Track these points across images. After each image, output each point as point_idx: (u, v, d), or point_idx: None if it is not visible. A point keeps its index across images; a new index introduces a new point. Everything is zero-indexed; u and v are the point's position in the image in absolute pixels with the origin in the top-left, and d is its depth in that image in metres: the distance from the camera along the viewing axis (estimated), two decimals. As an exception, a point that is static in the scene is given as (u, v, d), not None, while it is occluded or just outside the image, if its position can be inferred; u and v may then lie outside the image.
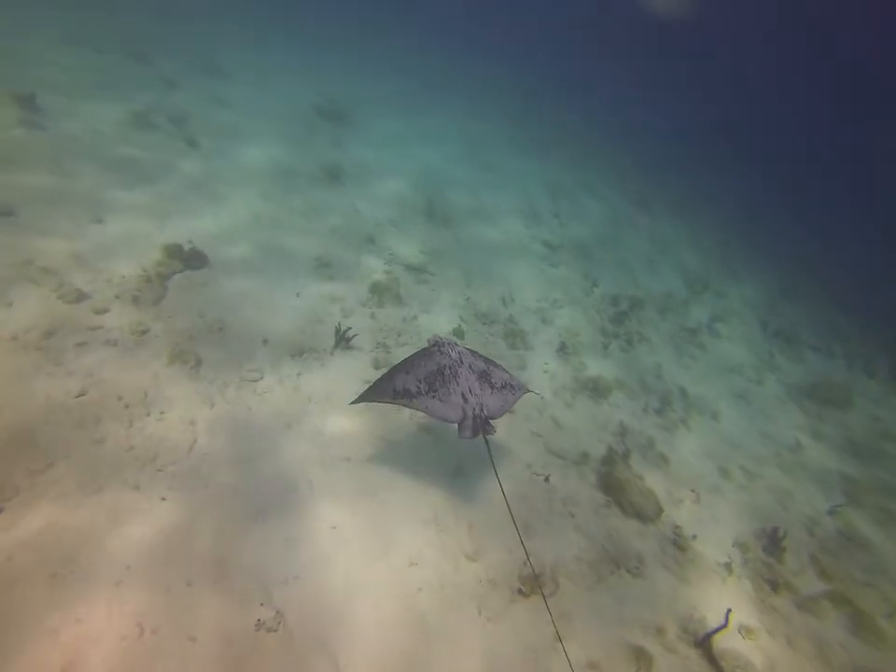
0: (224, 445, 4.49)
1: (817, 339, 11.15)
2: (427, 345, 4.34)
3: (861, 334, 12.26)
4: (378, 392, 3.98)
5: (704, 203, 19.04)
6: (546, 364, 7.23)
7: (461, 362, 4.12)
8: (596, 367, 7.58)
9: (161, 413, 4.59)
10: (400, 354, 6.32)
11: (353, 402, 4.11)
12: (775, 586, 4.90)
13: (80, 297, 5.48)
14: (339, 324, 6.07)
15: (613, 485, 5.41)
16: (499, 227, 10.77)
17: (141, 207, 7.36)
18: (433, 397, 3.87)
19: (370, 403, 4.14)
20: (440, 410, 3.85)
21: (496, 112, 20.20)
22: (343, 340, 6.02)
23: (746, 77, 36.94)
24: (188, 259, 6.54)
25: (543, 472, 5.44)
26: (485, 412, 3.94)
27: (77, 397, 4.43)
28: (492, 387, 4.14)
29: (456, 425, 3.90)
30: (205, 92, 12.51)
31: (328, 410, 5.22)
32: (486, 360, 4.43)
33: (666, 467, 6.09)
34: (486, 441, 3.77)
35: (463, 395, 3.94)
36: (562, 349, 7.58)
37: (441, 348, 4.19)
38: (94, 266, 6.01)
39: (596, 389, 7.03)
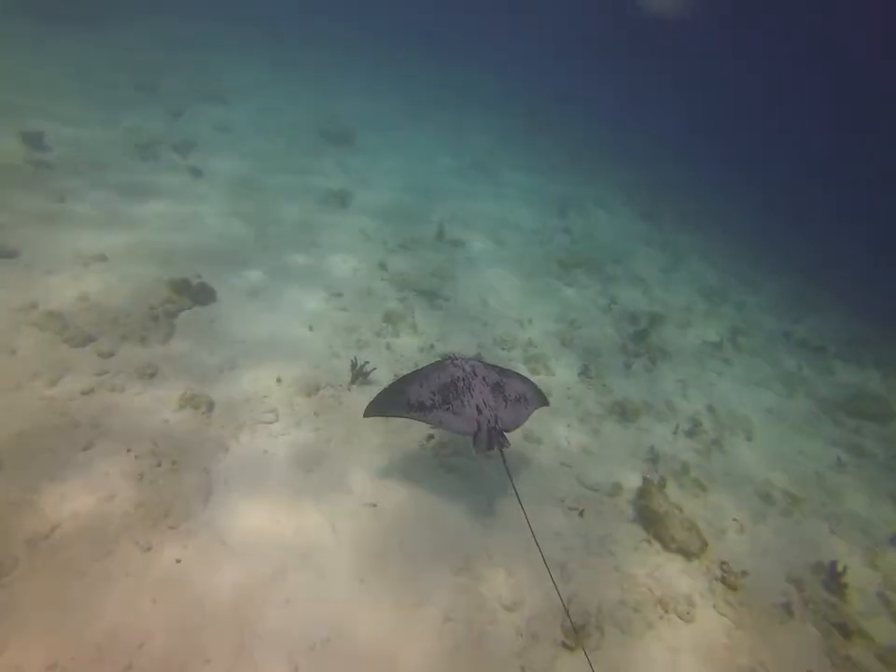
0: (239, 497, 4.21)
1: (843, 348, 10.77)
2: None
3: (888, 342, 11.86)
4: (392, 405, 3.96)
5: (711, 215, 18.84)
6: (569, 389, 6.94)
7: (475, 374, 4.12)
8: (621, 388, 7.28)
9: (173, 462, 4.32)
10: (419, 385, 6.07)
11: (366, 415, 4.04)
12: (846, 632, 4.44)
13: (86, 340, 5.27)
14: (355, 358, 5.81)
15: (652, 519, 5.07)
16: (510, 246, 10.57)
17: (144, 242, 7.19)
18: (447, 409, 3.84)
19: (388, 420, 4.22)
20: (454, 423, 3.83)
21: (500, 129, 20.20)
22: (360, 375, 5.76)
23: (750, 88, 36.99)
24: (196, 294, 6.35)
25: (577, 507, 5.12)
26: (500, 424, 3.90)
27: (84, 450, 4.17)
28: (506, 400, 4.11)
29: (471, 438, 3.87)
30: (209, 120, 12.51)
31: (348, 453, 4.94)
32: (500, 371, 4.40)
33: (704, 495, 5.74)
34: (502, 454, 3.71)
35: (477, 407, 3.91)
36: (584, 372, 7.29)
37: (455, 361, 4.20)
38: (100, 305, 5.82)
39: (624, 413, 6.71)
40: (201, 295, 6.37)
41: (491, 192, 13.63)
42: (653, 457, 6.09)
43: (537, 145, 19.98)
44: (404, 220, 10.27)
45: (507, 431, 3.92)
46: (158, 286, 6.36)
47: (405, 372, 6.09)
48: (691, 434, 6.69)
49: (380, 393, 4.18)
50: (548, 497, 5.15)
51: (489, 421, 3.85)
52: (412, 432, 5.35)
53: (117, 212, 7.74)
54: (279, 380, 5.54)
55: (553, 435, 6.05)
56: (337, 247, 8.54)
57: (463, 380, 4.01)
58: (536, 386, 4.62)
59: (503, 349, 7.29)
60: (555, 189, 15.45)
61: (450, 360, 4.23)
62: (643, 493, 5.23)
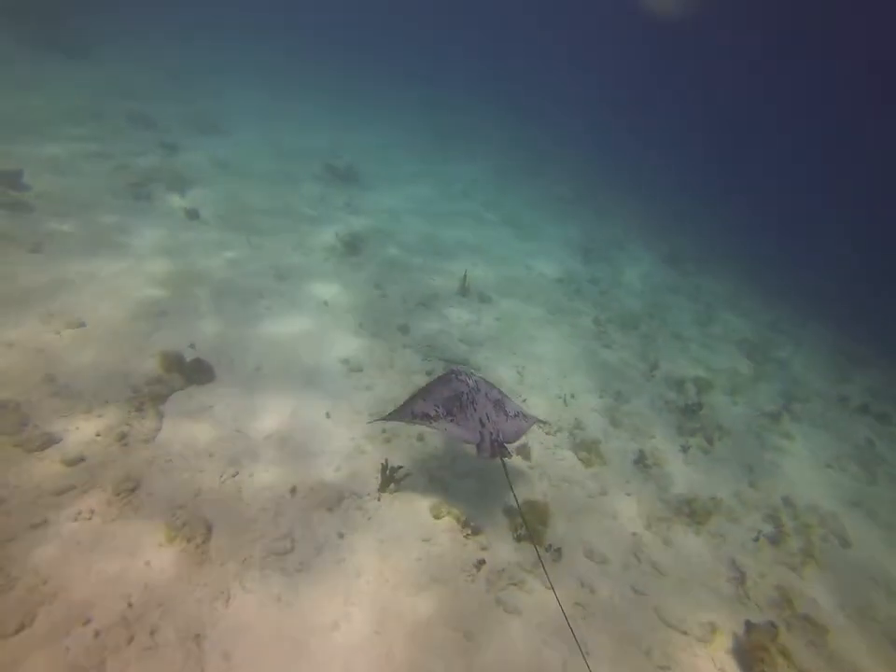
0: (246, 681, 3.11)
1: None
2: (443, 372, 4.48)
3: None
4: (398, 415, 4.08)
5: (728, 251, 18.28)
6: (628, 482, 5.92)
7: (478, 390, 4.23)
8: (682, 479, 6.27)
9: (152, 633, 3.21)
10: (460, 489, 5.03)
11: (371, 422, 4.18)
12: None
13: (48, 442, 4.19)
14: (385, 461, 4.75)
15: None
16: (538, 300, 9.64)
17: (129, 299, 6.17)
18: (451, 420, 3.97)
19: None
20: (458, 432, 3.95)
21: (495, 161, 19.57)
22: (391, 480, 4.70)
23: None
24: (190, 371, 5.29)
25: (663, 663, 4.04)
26: (501, 436, 4.02)
27: (16, 633, 3.02)
28: (506, 415, 4.23)
29: (475, 447, 3.98)
30: (207, 154, 11.63)
31: (384, 594, 3.85)
32: (500, 392, 4.51)
33: (823, 643, 4.63)
34: (504, 464, 3.83)
35: (480, 420, 4.02)
36: (640, 460, 6.27)
37: (459, 375, 4.31)
38: (70, 390, 4.76)
39: (693, 514, 5.68)
40: (196, 373, 5.31)
41: (507, 235, 12.79)
42: (740, 578, 5.03)
43: (542, 178, 19.32)
44: (419, 271, 9.33)
45: (509, 443, 4.05)
46: (143, 359, 5.32)
47: (443, 474, 5.11)
48: (775, 541, 5.64)
49: (395, 409, 4.20)
50: (630, 650, 4.07)
51: (492, 433, 3.97)
52: (457, 565, 4.29)
53: (99, 262, 6.72)
54: (293, 490, 4.47)
55: (619, 548, 5.00)
56: (348, 307, 7.56)
57: (466, 394, 4.12)
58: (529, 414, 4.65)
59: (548, 434, 6.27)
60: (571, 229, 14.69)
61: (454, 374, 4.32)
62: (754, 650, 4.15)
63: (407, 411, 4.03)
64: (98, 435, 4.40)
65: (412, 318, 7.64)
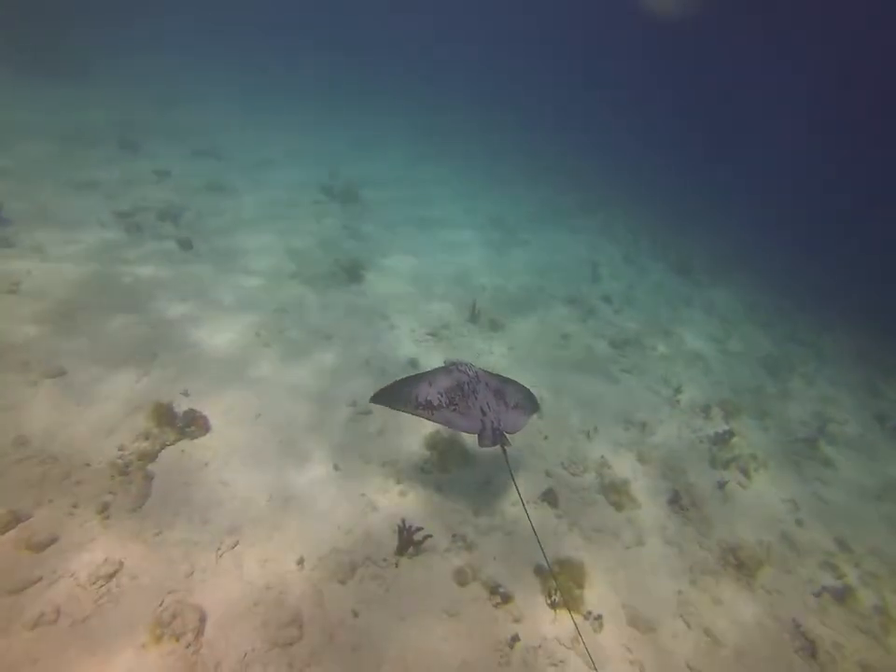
0: None
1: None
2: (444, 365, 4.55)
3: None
4: (400, 401, 4.00)
5: (737, 254, 17.85)
6: (665, 528, 5.38)
7: (479, 380, 4.25)
8: (722, 520, 5.73)
9: None
10: (486, 546, 4.50)
11: (372, 401, 4.02)
12: None
13: (12, 520, 3.65)
14: (402, 521, 4.22)
15: None
16: (553, 323, 9.13)
17: (117, 347, 5.67)
18: (453, 410, 3.98)
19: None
20: (459, 422, 3.95)
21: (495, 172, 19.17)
22: (410, 543, 4.17)
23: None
24: (183, 425, 4.78)
25: None
26: (502, 425, 4.02)
27: None
28: (507, 405, 4.26)
29: (476, 435, 3.96)
30: (200, 180, 11.19)
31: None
32: (501, 380, 4.51)
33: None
34: (504, 452, 3.85)
35: (482, 409, 4.04)
36: (675, 500, 5.74)
37: (460, 367, 4.34)
38: (44, 451, 4.24)
39: (741, 565, 5.13)
40: (190, 426, 4.80)
41: (514, 251, 12.31)
42: (810, 649, 4.46)
43: (538, 188, 18.91)
44: (423, 297, 8.81)
45: (509, 433, 4.04)
46: (130, 412, 4.81)
47: (465, 530, 4.58)
48: (840, 598, 5.07)
49: (390, 384, 4.13)
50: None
51: (493, 422, 3.98)
52: (488, 643, 3.75)
53: (80, 315, 6.24)
54: (300, 562, 3.94)
55: (665, 611, 4.45)
56: (360, 338, 7.07)
57: (468, 384, 4.16)
58: (530, 392, 4.59)
59: (574, 475, 5.74)
60: (575, 243, 14.18)
61: (455, 367, 4.36)
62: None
63: (411, 397, 4.00)
64: (74, 507, 3.88)
65: (420, 352, 7.13)
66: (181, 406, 4.96)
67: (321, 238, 9.96)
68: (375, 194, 13.39)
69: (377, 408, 5.75)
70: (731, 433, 7.06)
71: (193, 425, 4.81)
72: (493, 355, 7.57)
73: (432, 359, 6.90)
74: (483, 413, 4.02)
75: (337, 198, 12.18)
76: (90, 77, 16.84)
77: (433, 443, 5.39)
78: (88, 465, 4.24)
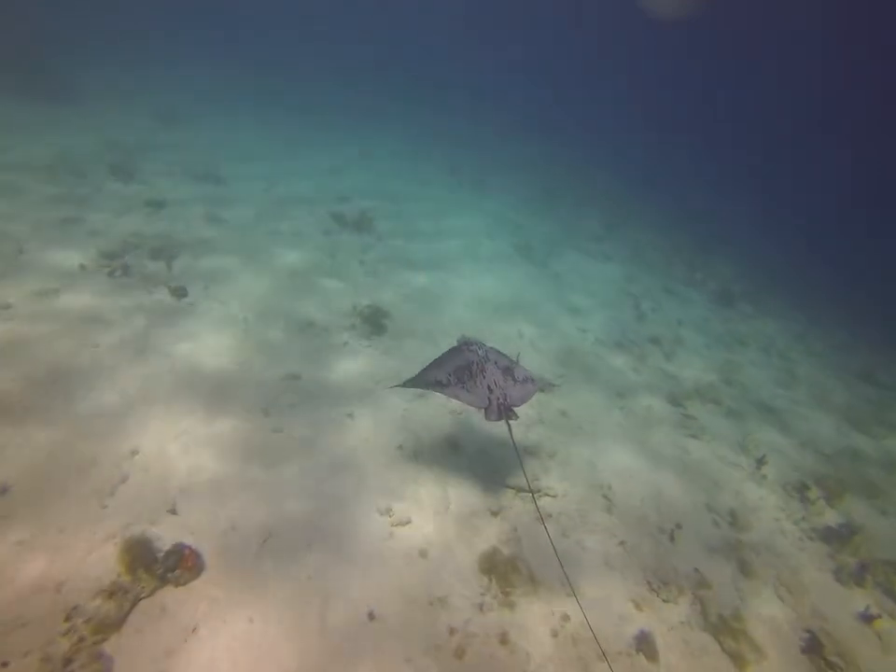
0: None
1: None
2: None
3: None
4: (417, 382, 4.26)
5: (785, 287, 16.63)
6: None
7: (487, 359, 4.36)
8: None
9: None
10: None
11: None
12: None
13: None
14: None
15: None
16: (602, 375, 7.89)
17: (89, 430, 4.50)
18: (462, 387, 4.17)
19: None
20: (467, 398, 4.14)
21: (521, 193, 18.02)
22: None
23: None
24: (164, 570, 3.57)
25: None
26: (508, 400, 4.17)
27: None
28: (514, 380, 4.34)
29: (483, 411, 4.11)
30: (199, 209, 10.06)
31: None
32: (510, 360, 4.55)
33: None
34: (509, 426, 4.00)
35: (489, 387, 4.18)
36: (812, 649, 4.42)
37: (470, 346, 4.44)
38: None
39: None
40: (171, 571, 3.58)
41: (548, 284, 11.10)
42: None
43: (563, 209, 17.82)
44: (427, 340, 7.59)
45: (515, 406, 4.17)
46: (103, 550, 3.62)
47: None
48: None
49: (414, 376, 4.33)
50: None
51: (499, 398, 4.13)
52: None
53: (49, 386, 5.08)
54: None
55: None
56: (368, 397, 5.89)
57: (477, 364, 4.28)
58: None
59: (665, 601, 4.47)
60: (610, 274, 12.98)
61: (465, 346, 4.47)
62: None
63: (423, 379, 4.26)
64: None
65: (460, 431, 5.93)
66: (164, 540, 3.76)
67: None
68: (386, 225, 12.23)
69: (406, 494, 4.59)
70: (852, 530, 5.77)
71: (176, 567, 3.59)
72: (541, 421, 6.32)
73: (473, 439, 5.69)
74: (490, 391, 4.16)
75: (347, 225, 11.01)
76: (75, 95, 16.02)
77: (488, 563, 4.16)
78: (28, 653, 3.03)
